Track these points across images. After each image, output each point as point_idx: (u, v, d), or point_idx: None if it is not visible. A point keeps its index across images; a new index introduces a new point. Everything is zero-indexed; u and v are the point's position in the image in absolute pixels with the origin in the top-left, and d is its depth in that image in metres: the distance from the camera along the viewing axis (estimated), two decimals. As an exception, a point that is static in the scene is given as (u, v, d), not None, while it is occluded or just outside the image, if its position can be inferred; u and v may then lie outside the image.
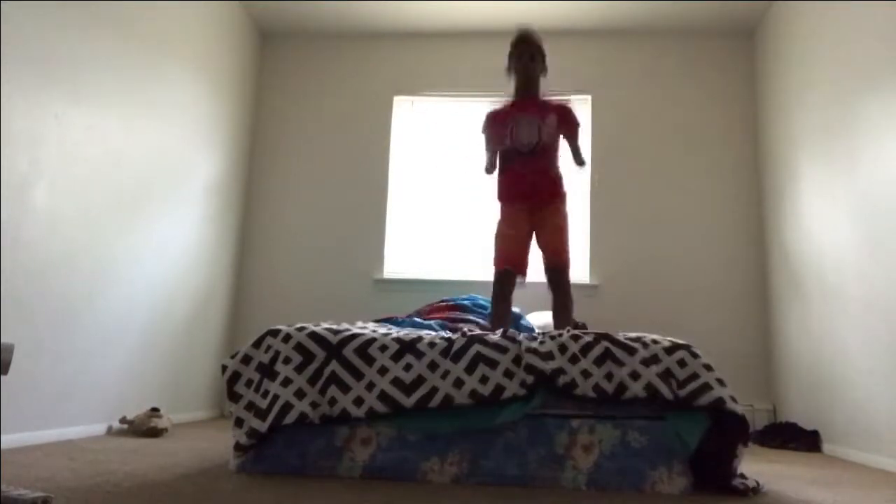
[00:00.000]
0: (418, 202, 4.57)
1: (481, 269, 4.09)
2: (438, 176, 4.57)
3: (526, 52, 2.81)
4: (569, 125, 2.82)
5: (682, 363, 2.09)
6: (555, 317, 2.75)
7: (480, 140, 2.92)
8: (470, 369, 2.10)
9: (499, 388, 2.06)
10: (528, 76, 2.82)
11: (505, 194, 2.81)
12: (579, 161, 2.81)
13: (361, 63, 4.73)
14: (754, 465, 2.67)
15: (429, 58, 4.69)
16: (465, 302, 3.31)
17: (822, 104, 3.51)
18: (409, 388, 2.09)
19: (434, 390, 2.08)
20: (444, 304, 3.33)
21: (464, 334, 2.24)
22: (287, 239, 4.55)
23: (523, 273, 2.76)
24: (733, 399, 2.03)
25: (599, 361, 2.09)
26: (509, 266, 2.72)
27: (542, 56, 2.84)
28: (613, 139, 4.45)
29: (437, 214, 4.52)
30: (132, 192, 3.27)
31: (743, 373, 4.05)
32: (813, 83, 3.62)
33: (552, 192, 2.77)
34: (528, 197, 2.76)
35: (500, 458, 2.07)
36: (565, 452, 2.06)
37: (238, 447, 2.12)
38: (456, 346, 2.16)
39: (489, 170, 2.86)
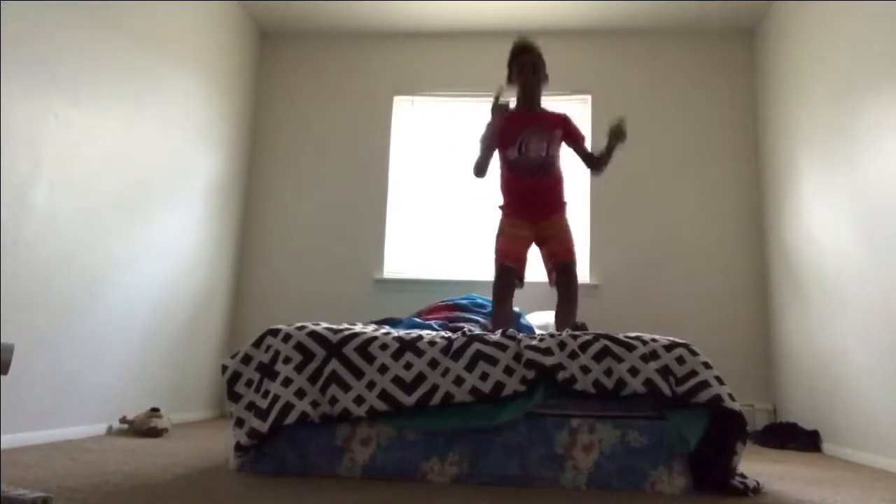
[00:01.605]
0: (418, 202, 4.56)
1: (481, 269, 4.09)
2: (438, 176, 4.56)
3: (528, 63, 2.80)
4: (574, 137, 2.88)
5: (680, 360, 2.10)
6: (558, 315, 2.76)
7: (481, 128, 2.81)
8: (470, 367, 2.10)
9: (499, 385, 2.07)
10: (533, 88, 2.83)
11: (510, 210, 2.86)
12: (595, 165, 2.86)
13: (361, 63, 4.73)
14: (754, 465, 2.67)
15: (429, 58, 4.69)
16: (464, 302, 3.30)
17: (822, 104, 3.51)
18: (409, 387, 2.10)
19: (434, 388, 2.08)
20: (443, 304, 3.32)
21: (463, 333, 2.24)
22: (287, 239, 4.54)
23: (522, 275, 2.80)
24: (731, 397, 2.03)
25: (599, 357, 2.10)
26: (510, 263, 2.74)
27: (544, 65, 2.85)
28: (613, 139, 4.44)
29: (436, 214, 4.52)
30: (132, 192, 3.27)
31: (743, 373, 4.05)
32: (813, 83, 3.62)
33: (555, 206, 2.86)
34: (533, 213, 2.82)
35: (500, 458, 2.07)
36: (565, 452, 2.06)
37: (238, 447, 2.12)
38: (456, 345, 2.16)
39: (480, 172, 2.81)
